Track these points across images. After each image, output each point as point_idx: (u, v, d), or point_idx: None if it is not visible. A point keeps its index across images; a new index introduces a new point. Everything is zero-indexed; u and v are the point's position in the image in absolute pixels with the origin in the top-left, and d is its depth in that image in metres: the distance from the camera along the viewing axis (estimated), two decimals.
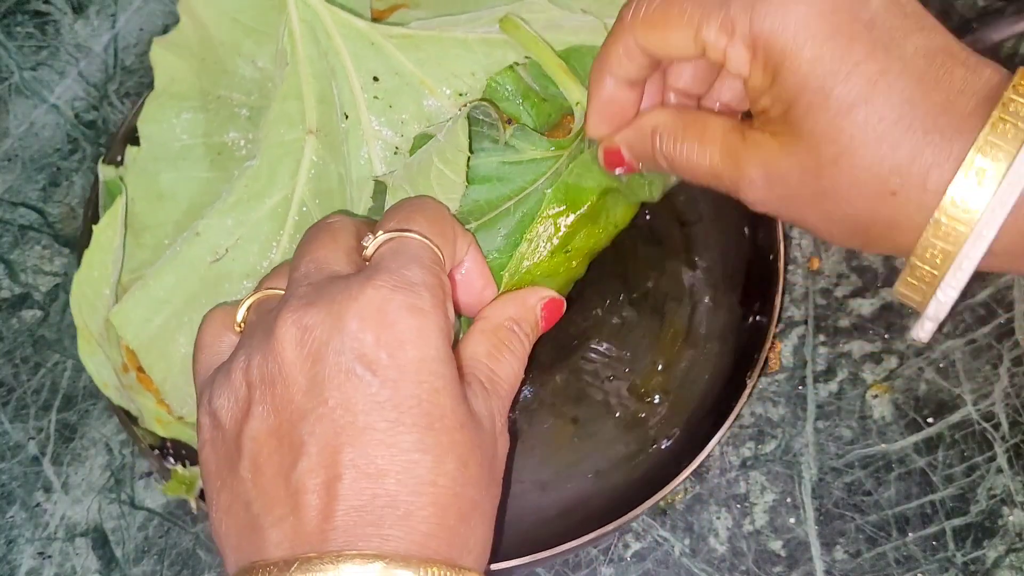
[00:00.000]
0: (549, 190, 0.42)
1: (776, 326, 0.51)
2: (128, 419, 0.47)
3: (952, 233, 0.30)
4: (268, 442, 0.30)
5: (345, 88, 0.45)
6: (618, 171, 0.41)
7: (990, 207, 0.30)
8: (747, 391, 0.49)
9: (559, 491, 0.52)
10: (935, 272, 0.32)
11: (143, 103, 0.49)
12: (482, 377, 0.34)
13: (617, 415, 0.53)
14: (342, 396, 0.29)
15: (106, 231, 0.46)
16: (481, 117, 0.43)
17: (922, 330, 0.34)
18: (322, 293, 0.31)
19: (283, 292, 0.34)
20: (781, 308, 0.53)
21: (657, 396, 0.54)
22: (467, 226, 0.42)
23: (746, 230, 0.56)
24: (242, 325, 0.36)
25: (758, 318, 0.53)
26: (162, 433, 0.47)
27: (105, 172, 0.49)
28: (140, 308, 0.45)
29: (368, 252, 0.34)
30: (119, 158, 0.50)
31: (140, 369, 0.46)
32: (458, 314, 0.40)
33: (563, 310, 0.40)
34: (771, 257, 0.53)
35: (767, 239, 0.53)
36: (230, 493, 0.31)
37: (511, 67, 0.45)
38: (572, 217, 0.43)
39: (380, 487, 0.29)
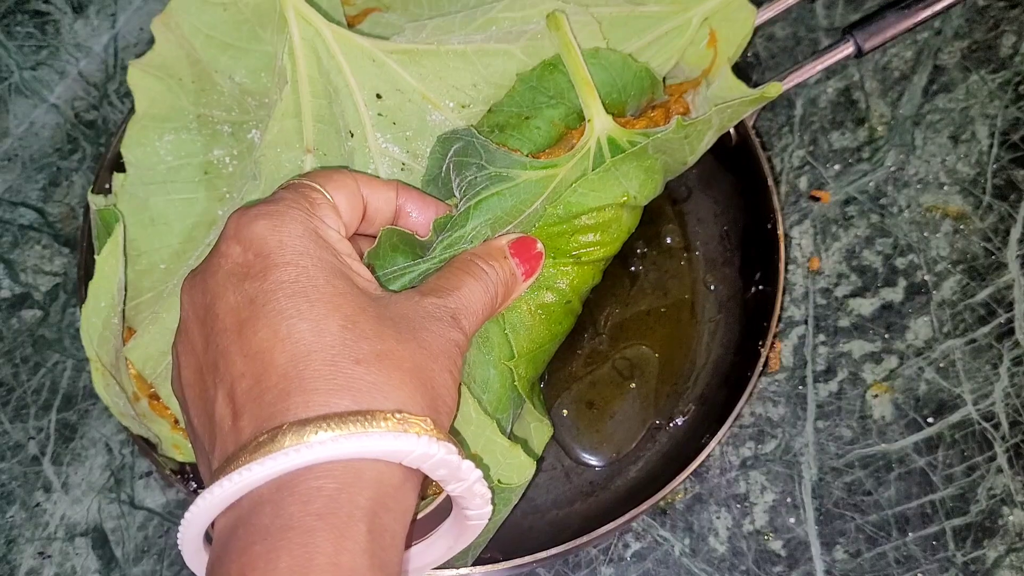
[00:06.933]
0: (548, 207, 0.42)
1: (777, 325, 0.51)
2: (148, 447, 0.47)
3: None
4: (194, 383, 0.34)
5: (349, 106, 0.45)
6: None
7: None
8: (761, 360, 0.49)
9: (584, 476, 0.53)
10: None
11: (125, 128, 0.49)
12: (422, 288, 0.37)
13: (631, 396, 0.54)
14: (226, 305, 0.32)
15: (108, 260, 0.46)
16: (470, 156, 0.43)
17: None
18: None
19: None
20: (785, 279, 0.53)
21: (669, 374, 0.54)
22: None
23: (739, 200, 0.56)
24: None
25: (761, 287, 0.53)
26: (180, 459, 0.48)
27: (95, 202, 0.48)
28: (156, 342, 0.46)
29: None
30: (107, 186, 0.50)
31: (151, 396, 0.47)
32: None
33: (540, 250, 0.42)
34: (769, 226, 0.52)
35: (762, 208, 0.53)
36: (196, 448, 0.34)
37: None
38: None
39: (268, 364, 0.31)
